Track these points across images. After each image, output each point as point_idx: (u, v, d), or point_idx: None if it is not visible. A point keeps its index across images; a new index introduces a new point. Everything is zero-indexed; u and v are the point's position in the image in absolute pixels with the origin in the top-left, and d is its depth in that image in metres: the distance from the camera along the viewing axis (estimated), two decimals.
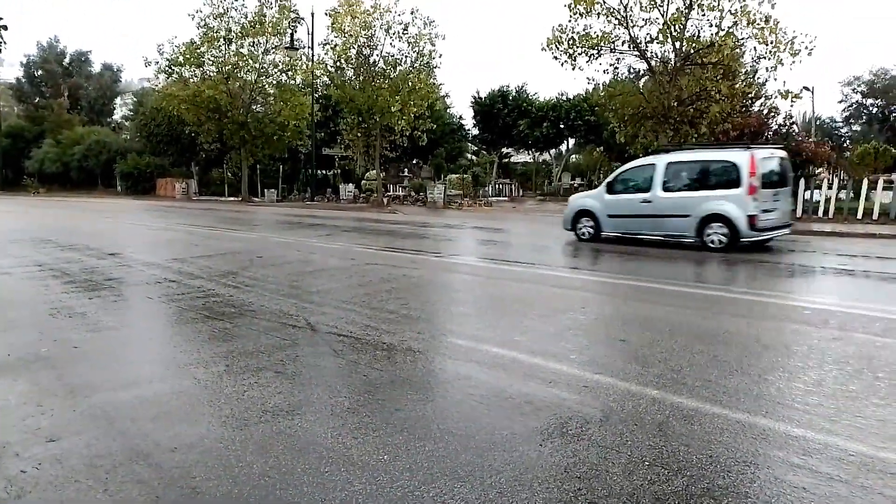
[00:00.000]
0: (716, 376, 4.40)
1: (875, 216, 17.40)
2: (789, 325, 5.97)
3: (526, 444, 3.36)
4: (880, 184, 18.07)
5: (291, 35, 33.82)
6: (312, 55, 33.91)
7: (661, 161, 13.15)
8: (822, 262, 11.12)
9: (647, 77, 22.95)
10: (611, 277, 8.82)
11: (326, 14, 29.11)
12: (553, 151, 49.92)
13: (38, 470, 3.10)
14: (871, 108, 53.27)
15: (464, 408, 3.88)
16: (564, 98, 42.70)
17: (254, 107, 37.21)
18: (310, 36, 34.30)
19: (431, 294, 7.97)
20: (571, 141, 47.07)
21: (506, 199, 39.30)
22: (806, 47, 18.83)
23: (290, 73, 36.10)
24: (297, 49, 34.32)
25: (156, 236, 16.19)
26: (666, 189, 12.89)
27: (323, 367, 4.73)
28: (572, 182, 47.64)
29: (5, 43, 6.06)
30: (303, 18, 34.84)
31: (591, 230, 13.97)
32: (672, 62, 20.52)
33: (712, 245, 12.05)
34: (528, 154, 49.40)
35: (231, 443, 3.39)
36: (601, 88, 24.60)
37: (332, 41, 29.61)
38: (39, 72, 66.41)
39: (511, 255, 11.94)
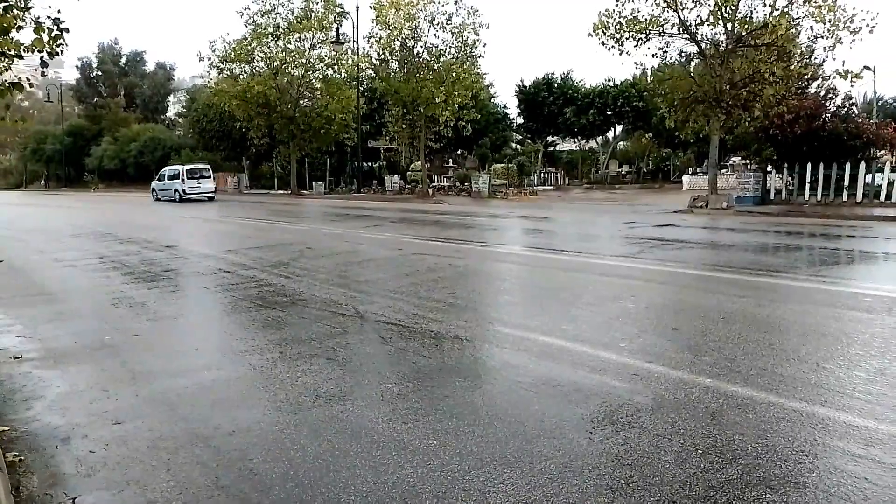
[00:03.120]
0: (772, 364, 4.29)
1: None
2: (849, 313, 5.77)
3: (575, 431, 3.35)
4: None
5: (337, 29, 34.15)
6: (357, 48, 34.21)
7: (167, 168, 35.51)
8: (884, 248, 10.67)
9: (697, 60, 22.33)
10: (660, 265, 8.66)
11: (371, 7, 29.32)
12: (600, 139, 49.20)
13: (106, 451, 3.25)
14: None
15: (512, 395, 3.89)
16: (611, 84, 42.01)
17: (301, 101, 37.80)
18: (355, 29, 34.62)
19: (477, 283, 7.98)
20: (619, 128, 46.31)
21: (551, 188, 38.98)
22: (867, 24, 18.01)
23: (335, 67, 36.51)
24: (343, 43, 34.64)
25: (209, 229, 16.66)
26: (169, 179, 33.42)
27: (372, 355, 4.80)
28: (620, 169, 46.87)
29: (67, 45, 6.30)
30: (348, 13, 35.20)
31: (156, 197, 34.35)
32: (723, 44, 19.91)
33: (175, 201, 31.71)
34: (574, 142, 48.81)
35: (286, 426, 3.48)
36: (650, 73, 24.04)
37: (376, 34, 29.82)
38: (97, 72, 68.87)
39: (557, 243, 11.85)
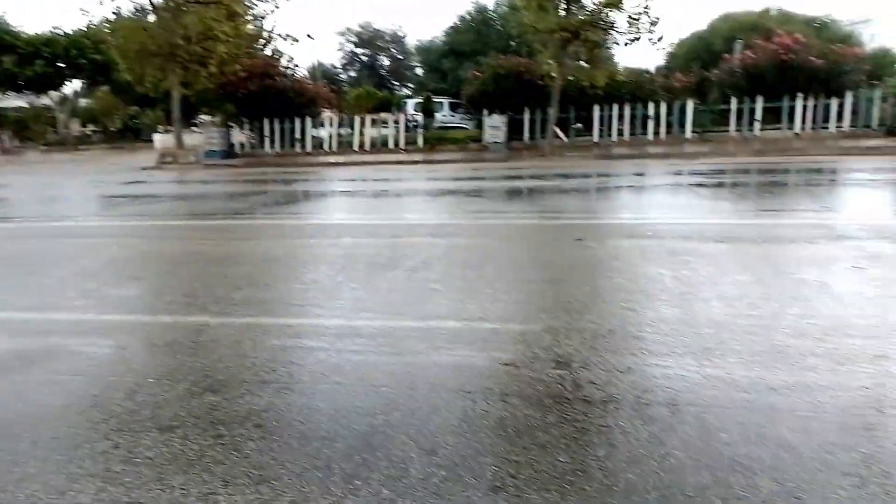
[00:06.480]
0: (226, 292, 4.71)
1: (367, 147, 20.61)
2: (296, 241, 6.74)
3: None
4: (368, 121, 21.28)
5: None
6: None
7: None
8: (330, 187, 12.68)
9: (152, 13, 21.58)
10: (127, 220, 8.37)
11: None
12: (55, 95, 43.13)
13: None
14: (361, 57, 61.17)
15: None
16: (61, 33, 37.05)
17: None
18: None
19: None
20: (78, 83, 41.51)
21: None
22: None
23: None
24: None
25: None
26: None
27: None
28: (84, 129, 42.43)
29: None
30: None
31: None
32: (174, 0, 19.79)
33: None
34: (22, 97, 41.64)
35: None
36: (104, 23, 22.17)
37: None
38: None
39: (13, 211, 10.18)
